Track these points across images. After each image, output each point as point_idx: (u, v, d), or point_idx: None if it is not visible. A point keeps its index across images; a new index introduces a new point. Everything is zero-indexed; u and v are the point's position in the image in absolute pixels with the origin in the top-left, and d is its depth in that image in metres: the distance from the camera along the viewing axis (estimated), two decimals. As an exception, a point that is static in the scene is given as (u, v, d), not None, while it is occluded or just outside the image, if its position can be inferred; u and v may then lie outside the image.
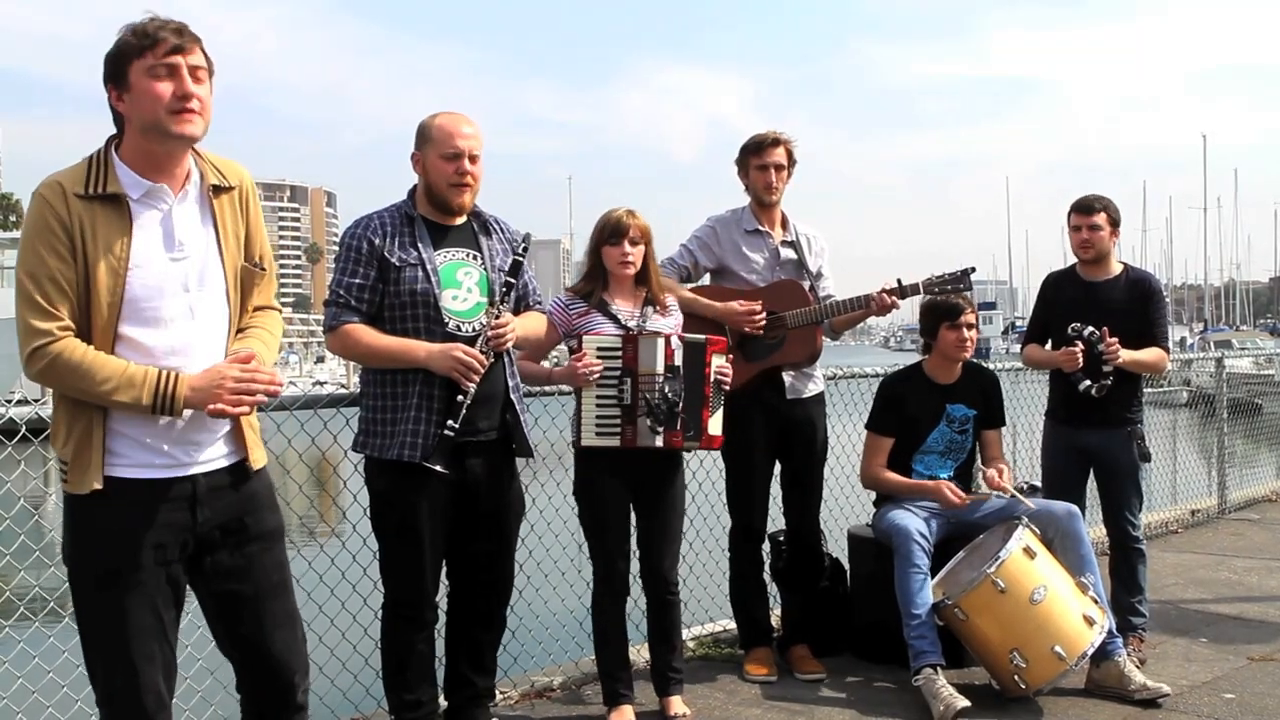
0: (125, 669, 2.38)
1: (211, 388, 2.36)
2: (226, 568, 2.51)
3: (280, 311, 2.75)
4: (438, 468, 3.26)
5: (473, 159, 3.37)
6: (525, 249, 3.50)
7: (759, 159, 4.38)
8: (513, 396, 3.48)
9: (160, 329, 2.39)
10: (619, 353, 3.70)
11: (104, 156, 2.40)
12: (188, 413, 2.40)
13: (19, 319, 2.33)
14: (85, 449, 2.36)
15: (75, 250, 2.31)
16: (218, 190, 2.51)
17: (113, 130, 2.44)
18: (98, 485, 2.34)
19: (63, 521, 2.42)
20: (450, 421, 3.26)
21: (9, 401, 3.44)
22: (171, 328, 2.40)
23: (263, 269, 2.60)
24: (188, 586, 2.52)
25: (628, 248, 3.77)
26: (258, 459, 2.58)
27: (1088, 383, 4.46)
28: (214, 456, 2.48)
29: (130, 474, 2.38)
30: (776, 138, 4.39)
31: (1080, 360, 4.45)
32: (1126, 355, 4.41)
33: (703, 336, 3.82)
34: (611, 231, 3.79)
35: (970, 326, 4.48)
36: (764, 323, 4.20)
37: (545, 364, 3.95)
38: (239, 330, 2.57)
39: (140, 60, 2.33)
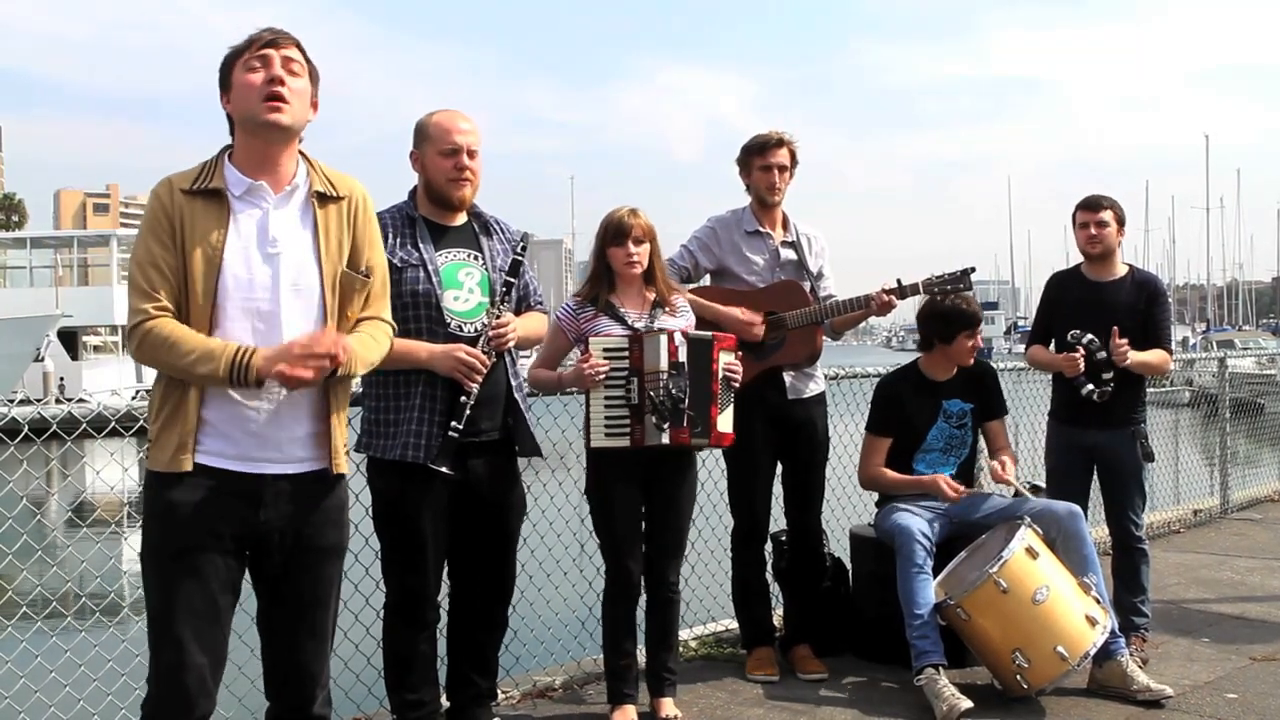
0: (172, 645, 2.44)
1: (279, 355, 2.40)
2: (277, 571, 2.57)
3: (391, 326, 2.76)
4: (443, 469, 3.26)
5: (471, 154, 3.37)
6: (524, 248, 3.50)
7: (763, 159, 4.38)
8: (516, 396, 3.48)
9: (253, 323, 2.47)
10: (625, 353, 3.70)
11: (217, 159, 2.56)
12: (268, 405, 2.48)
13: (128, 304, 2.48)
14: (173, 428, 2.45)
15: (176, 238, 2.44)
16: (323, 198, 2.58)
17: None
18: (186, 467, 2.43)
19: (142, 496, 2.52)
20: (454, 423, 3.26)
21: (11, 401, 3.44)
22: (264, 323, 2.47)
23: (366, 277, 2.63)
24: (244, 580, 2.58)
25: (632, 248, 3.77)
26: (340, 465, 2.62)
27: (1090, 388, 4.46)
28: (291, 459, 2.53)
29: (207, 460, 2.46)
30: (781, 138, 4.39)
31: (1081, 366, 4.45)
32: (1134, 357, 4.41)
33: (709, 333, 3.81)
34: (615, 232, 3.79)
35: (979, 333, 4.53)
36: (762, 335, 4.20)
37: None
38: None
39: (240, 60, 2.51)
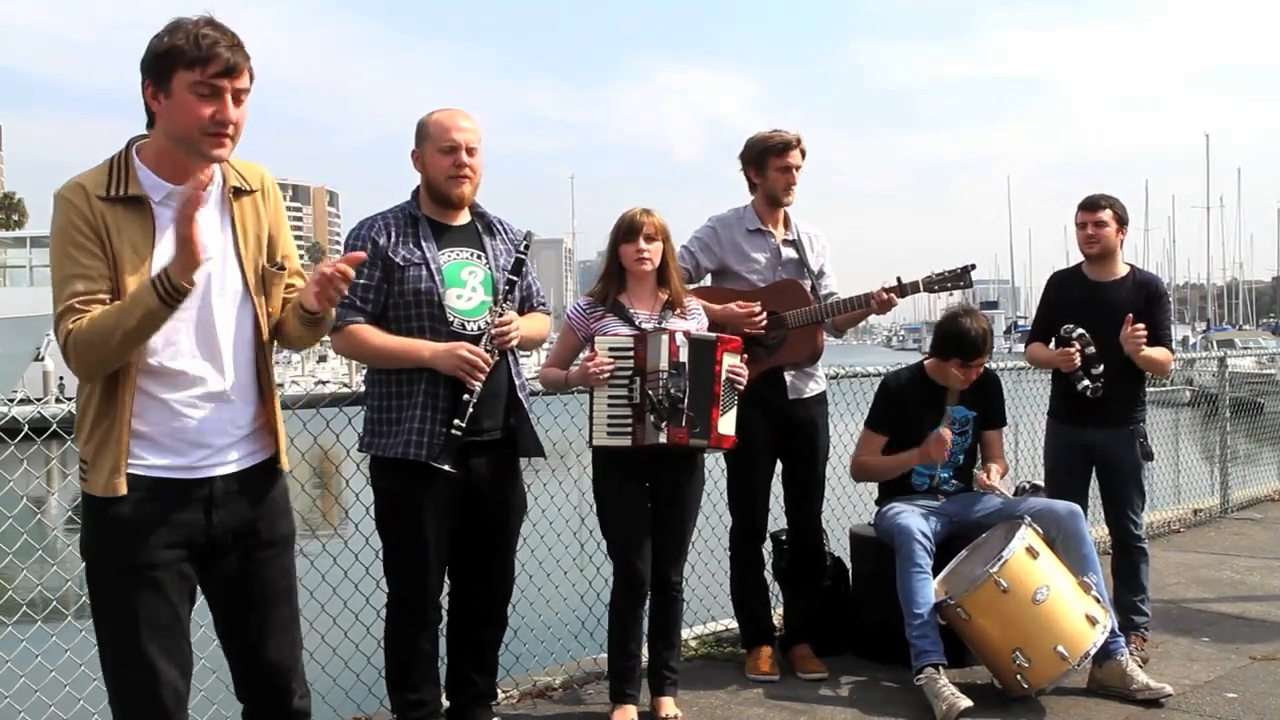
0: (143, 666, 2.38)
1: (175, 239, 2.27)
2: (234, 572, 2.51)
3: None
4: (445, 467, 3.26)
5: (470, 151, 3.38)
6: (527, 247, 3.51)
7: (781, 160, 4.36)
8: (519, 395, 3.48)
9: (187, 331, 2.39)
10: (631, 353, 3.70)
11: (124, 159, 2.39)
12: (205, 409, 2.41)
13: (55, 325, 2.33)
14: (106, 451, 2.36)
15: (104, 245, 2.32)
16: (238, 193, 2.51)
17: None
18: (121, 491, 2.34)
19: (82, 517, 2.42)
20: (457, 420, 3.26)
21: (11, 400, 3.44)
22: (200, 330, 2.41)
23: (283, 269, 2.58)
24: (198, 586, 2.53)
25: (643, 244, 3.77)
26: (281, 459, 2.58)
27: (1086, 383, 4.47)
28: (236, 457, 2.49)
29: (148, 473, 2.38)
30: (799, 138, 4.38)
31: (1077, 360, 4.45)
32: (1146, 351, 4.42)
33: (714, 335, 3.81)
34: (627, 229, 3.79)
35: (980, 366, 4.48)
36: (764, 323, 4.19)
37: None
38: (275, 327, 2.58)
39: (188, 71, 2.29)
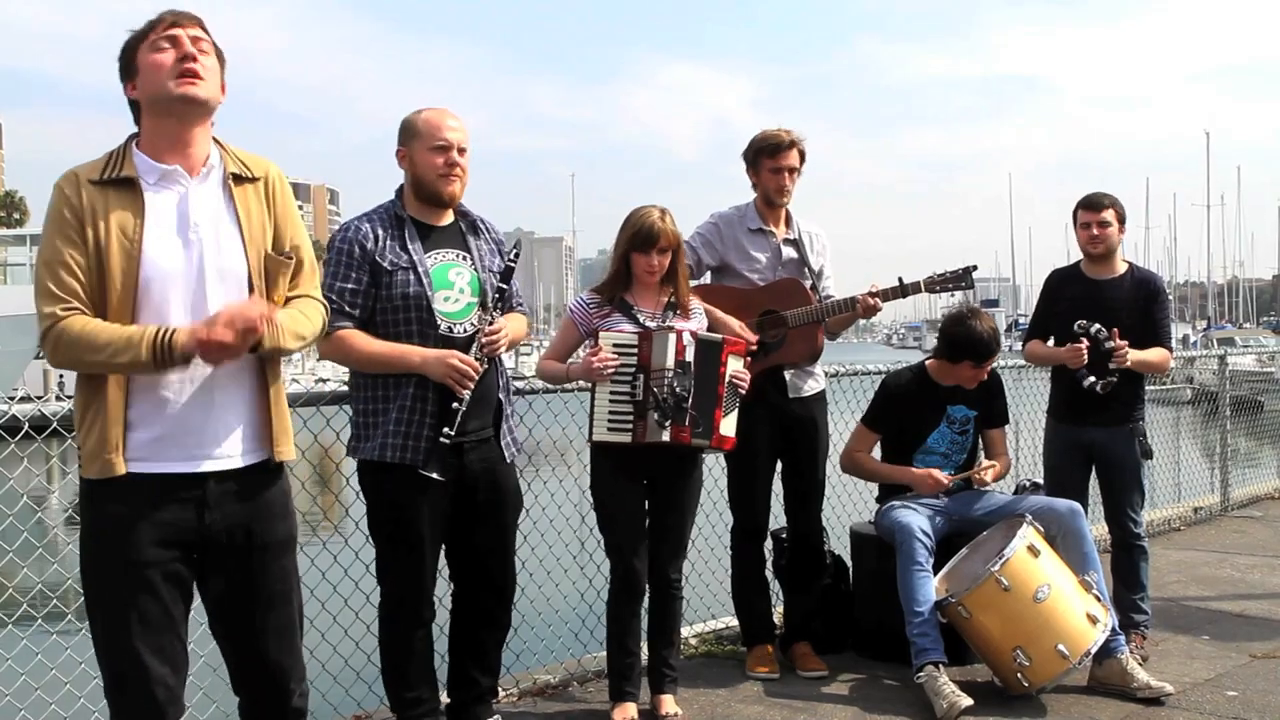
0: (134, 661, 2.38)
1: (204, 326, 2.32)
2: (230, 572, 2.50)
3: (323, 303, 2.69)
4: (434, 475, 3.25)
5: (460, 151, 3.36)
6: (516, 255, 3.50)
7: (774, 161, 4.36)
8: (501, 396, 3.47)
9: (178, 314, 2.38)
10: (634, 349, 3.70)
11: (123, 148, 2.46)
12: (194, 389, 2.40)
13: (36, 310, 2.37)
14: (98, 434, 2.36)
15: (86, 234, 2.34)
16: (239, 179, 2.51)
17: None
18: (119, 470, 2.35)
19: (80, 511, 2.44)
20: (446, 429, 3.25)
21: (11, 398, 3.44)
22: (191, 314, 2.39)
23: (289, 258, 2.56)
24: (195, 584, 2.52)
25: (656, 258, 3.76)
26: (284, 453, 2.56)
27: (1092, 379, 4.45)
28: (230, 454, 2.46)
29: (140, 468, 2.38)
30: (792, 140, 4.36)
31: (1085, 357, 4.44)
32: (1135, 355, 4.41)
33: (720, 336, 3.81)
34: (644, 239, 3.75)
35: (990, 365, 4.50)
36: (755, 346, 4.19)
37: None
38: None
39: (144, 43, 2.43)
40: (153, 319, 2.35)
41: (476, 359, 3.28)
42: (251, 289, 2.46)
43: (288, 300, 2.57)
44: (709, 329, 3.95)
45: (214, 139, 2.52)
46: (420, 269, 3.32)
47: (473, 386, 3.27)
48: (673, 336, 3.68)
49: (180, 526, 2.42)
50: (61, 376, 26.72)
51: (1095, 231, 4.59)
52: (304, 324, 2.55)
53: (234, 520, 2.48)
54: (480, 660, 3.59)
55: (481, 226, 3.53)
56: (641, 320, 3.79)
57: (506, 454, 3.49)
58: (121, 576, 2.38)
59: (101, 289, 2.35)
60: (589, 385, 3.76)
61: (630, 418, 3.69)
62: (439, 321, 3.31)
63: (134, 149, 2.45)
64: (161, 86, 2.39)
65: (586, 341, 3.82)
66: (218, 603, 2.54)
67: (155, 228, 2.38)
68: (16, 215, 71.35)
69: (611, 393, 3.70)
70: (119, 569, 2.38)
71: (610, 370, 3.66)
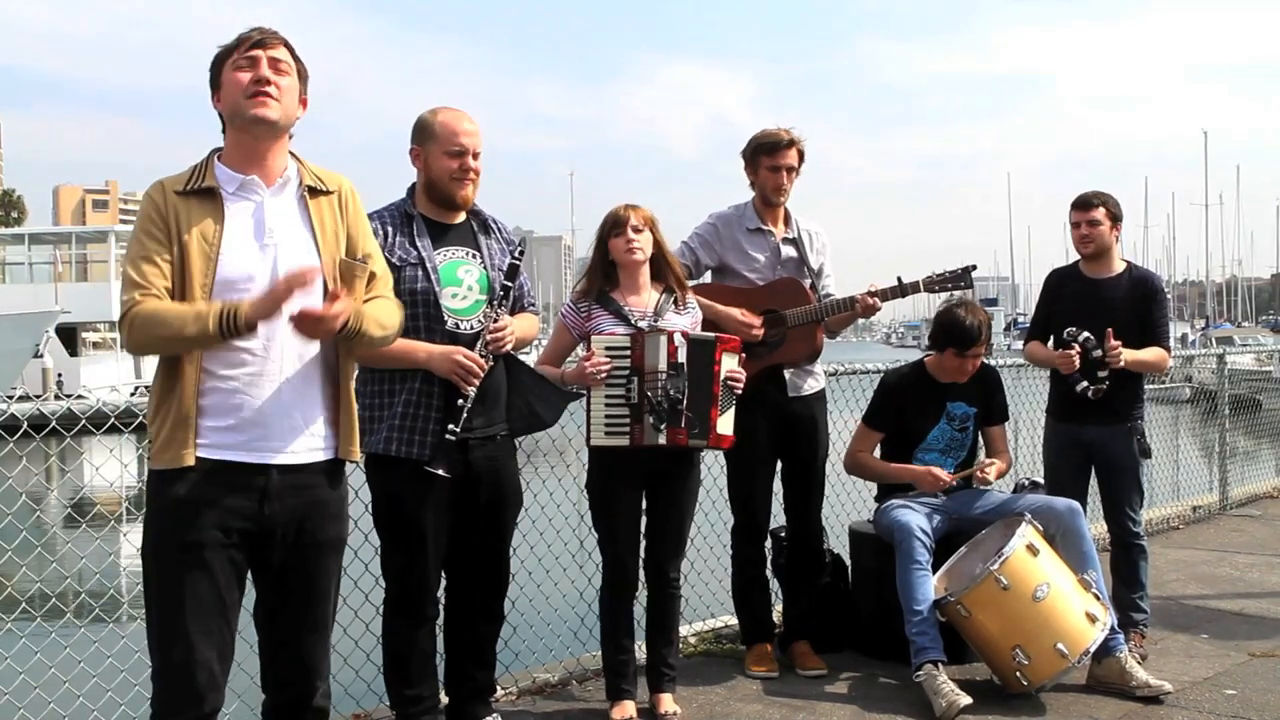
0: (182, 643, 2.45)
1: (268, 294, 2.42)
2: (278, 565, 2.58)
3: (400, 305, 2.81)
4: (440, 472, 3.26)
5: (475, 155, 3.39)
6: (522, 252, 3.51)
7: (771, 160, 4.35)
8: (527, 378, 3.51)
9: None
10: (628, 352, 3.70)
11: (207, 161, 2.60)
12: (267, 379, 2.49)
13: (121, 301, 2.48)
14: (172, 426, 2.45)
15: (170, 234, 2.48)
16: (314, 192, 2.63)
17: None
18: (188, 462, 2.44)
19: (147, 495, 2.52)
20: (451, 425, 3.26)
21: (10, 397, 3.44)
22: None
23: (364, 263, 2.66)
24: (250, 574, 2.60)
25: (631, 235, 3.77)
26: (351, 452, 2.66)
27: (1084, 384, 4.47)
28: (296, 449, 2.55)
29: (209, 454, 2.47)
30: (791, 139, 4.36)
31: (1076, 364, 4.44)
32: (1129, 356, 4.41)
33: (713, 335, 3.81)
34: (613, 223, 3.80)
35: (976, 357, 4.48)
36: (760, 336, 4.19)
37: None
38: None
39: (230, 60, 2.56)
40: None
41: (481, 356, 3.29)
42: (327, 292, 2.54)
43: (365, 303, 2.65)
44: (708, 324, 3.96)
45: (291, 153, 2.65)
46: (429, 265, 3.33)
47: (477, 383, 3.28)
48: (664, 338, 3.69)
49: (242, 514, 2.50)
50: (60, 375, 26.76)
51: (1085, 231, 4.60)
52: (385, 315, 2.67)
53: (291, 514, 2.56)
54: (477, 655, 3.60)
55: (493, 226, 3.54)
56: (633, 320, 3.79)
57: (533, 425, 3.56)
58: (180, 556, 2.46)
59: (181, 287, 2.46)
60: (584, 388, 3.76)
61: (627, 422, 3.69)
62: (446, 318, 3.33)
63: (216, 161, 2.59)
64: (237, 104, 2.53)
65: (580, 344, 3.82)
66: (265, 593, 2.62)
67: (233, 233, 2.52)
68: (15, 214, 71.34)
69: (607, 397, 3.69)
70: (178, 549, 2.46)
71: (603, 374, 3.66)
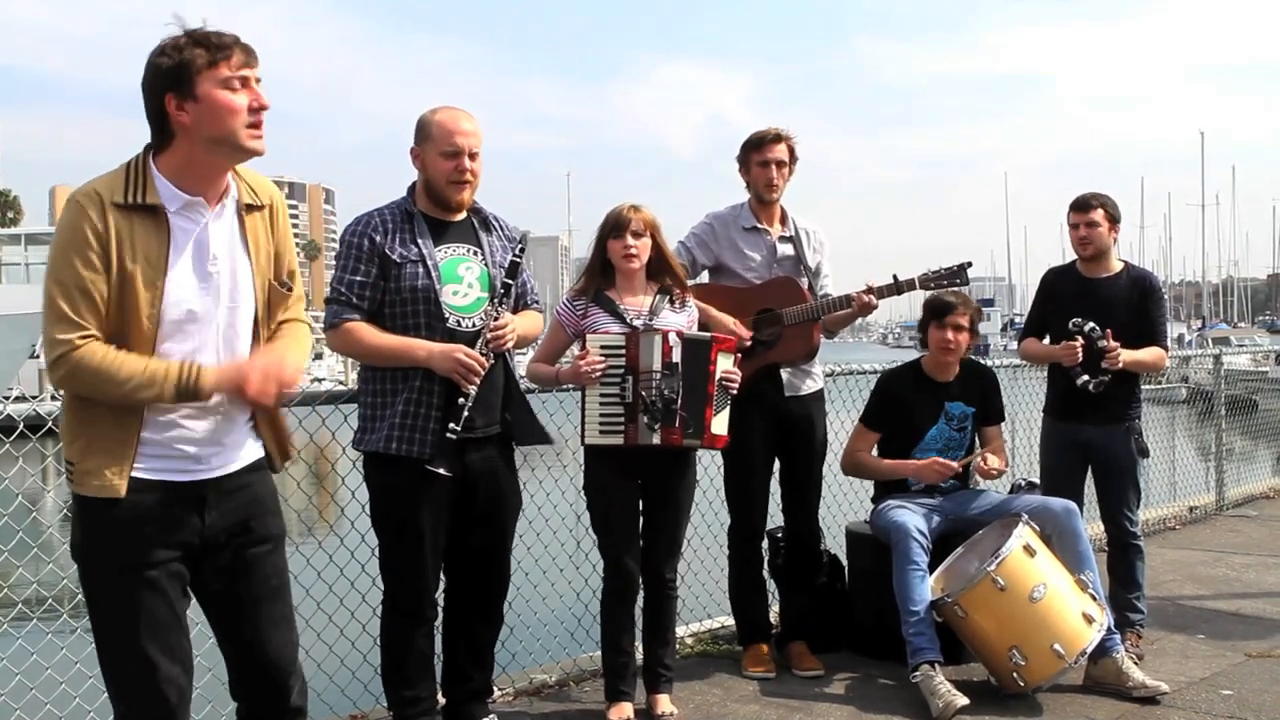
0: (145, 664, 2.37)
1: (238, 376, 2.36)
2: (228, 570, 2.50)
3: (309, 326, 2.72)
4: (441, 470, 3.26)
5: (472, 156, 3.36)
6: (522, 249, 3.50)
7: (760, 155, 4.36)
8: (518, 388, 3.50)
9: (195, 345, 2.38)
10: (622, 351, 3.70)
11: (142, 165, 2.35)
12: (208, 425, 2.43)
13: (44, 329, 2.29)
14: (103, 455, 2.33)
15: (109, 261, 2.27)
16: (250, 209, 2.50)
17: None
18: (120, 493, 2.32)
19: (73, 519, 2.40)
20: (452, 424, 3.26)
21: (6, 398, 3.43)
22: (206, 344, 2.40)
23: (289, 289, 2.58)
24: (189, 584, 2.51)
25: (630, 240, 3.77)
26: (281, 450, 2.62)
27: (1085, 378, 4.46)
28: (230, 461, 2.49)
29: (145, 475, 2.37)
30: (778, 134, 4.37)
31: (1079, 355, 4.44)
32: (1127, 356, 4.41)
33: (708, 335, 3.81)
34: (614, 225, 3.80)
35: (958, 328, 4.46)
36: (750, 343, 4.19)
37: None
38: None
39: (212, 71, 2.29)
40: (173, 348, 2.35)
41: (482, 354, 3.29)
42: (256, 318, 2.49)
43: (280, 324, 2.60)
44: (702, 328, 3.96)
45: None
46: (429, 262, 3.33)
47: (478, 382, 3.28)
48: (659, 337, 3.68)
49: (184, 529, 2.41)
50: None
51: (1084, 233, 4.60)
52: (303, 357, 2.59)
53: (233, 518, 2.49)
54: (475, 657, 3.60)
55: (494, 223, 3.54)
56: (628, 319, 3.79)
57: (525, 438, 3.55)
58: (125, 578, 2.36)
59: (122, 319, 2.29)
60: (579, 387, 3.76)
61: (621, 421, 3.69)
62: (447, 315, 3.32)
63: (154, 169, 2.35)
64: (231, 132, 2.31)
65: (575, 343, 3.82)
66: (218, 601, 2.53)
67: (178, 260, 2.34)
68: (11, 215, 71.27)
69: (601, 396, 3.70)
70: (122, 571, 2.36)
71: (598, 373, 3.66)
